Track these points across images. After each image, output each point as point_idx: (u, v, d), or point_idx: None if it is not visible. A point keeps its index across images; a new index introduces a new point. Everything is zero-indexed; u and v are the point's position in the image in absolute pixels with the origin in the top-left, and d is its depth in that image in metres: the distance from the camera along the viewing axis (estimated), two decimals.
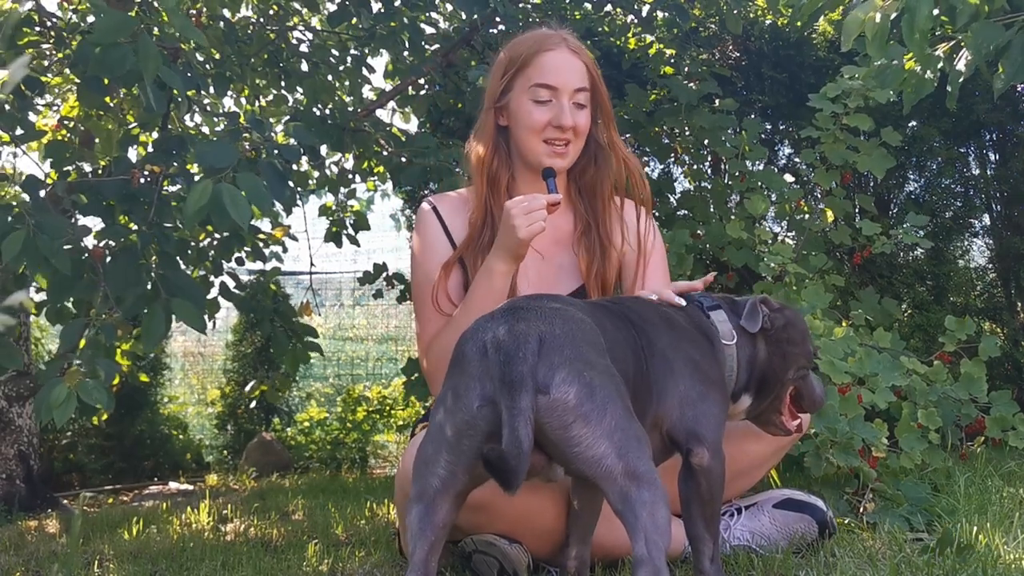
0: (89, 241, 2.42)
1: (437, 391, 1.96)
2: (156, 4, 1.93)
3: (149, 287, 2.29)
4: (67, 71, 4.06)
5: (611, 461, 1.29)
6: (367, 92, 4.48)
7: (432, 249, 2.00)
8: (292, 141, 2.86)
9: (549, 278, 1.98)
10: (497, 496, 1.61)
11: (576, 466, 1.32)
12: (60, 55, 3.48)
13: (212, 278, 3.70)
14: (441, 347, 1.89)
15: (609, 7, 4.23)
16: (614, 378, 1.37)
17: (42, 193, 2.39)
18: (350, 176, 4.38)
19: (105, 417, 5.67)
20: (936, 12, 1.77)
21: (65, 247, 2.18)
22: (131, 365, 4.50)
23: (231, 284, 3.90)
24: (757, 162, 3.60)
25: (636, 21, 4.13)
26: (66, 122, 4.25)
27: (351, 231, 4.35)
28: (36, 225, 2.09)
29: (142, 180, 2.41)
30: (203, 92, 3.84)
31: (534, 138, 1.93)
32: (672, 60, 4.03)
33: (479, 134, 2.02)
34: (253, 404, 6.23)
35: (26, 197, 2.40)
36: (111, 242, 2.41)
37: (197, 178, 2.17)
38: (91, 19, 3.03)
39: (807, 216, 3.30)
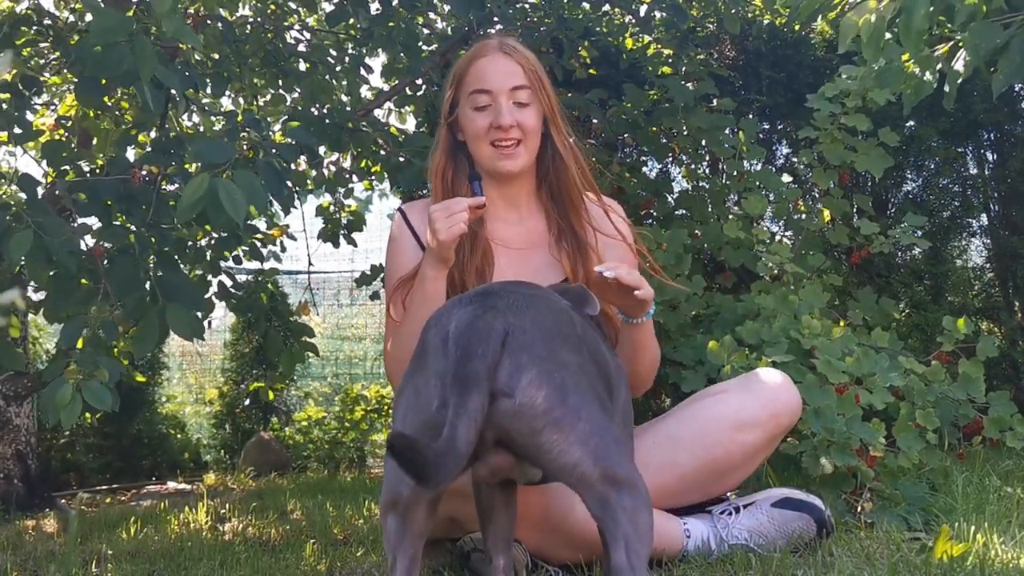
0: (89, 240, 2.42)
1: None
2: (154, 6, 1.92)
3: (148, 290, 2.28)
4: (64, 70, 4.06)
5: (587, 467, 1.21)
6: (365, 92, 4.48)
7: (402, 255, 2.04)
8: (290, 141, 2.86)
9: (526, 278, 1.98)
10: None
11: (550, 472, 1.25)
12: (57, 53, 3.48)
13: (210, 277, 3.70)
14: (392, 355, 1.94)
15: (607, 7, 4.23)
16: (589, 376, 1.28)
17: (39, 192, 2.39)
18: (347, 176, 4.38)
19: (100, 416, 5.68)
20: (932, 10, 1.77)
21: (69, 245, 2.17)
22: (127, 364, 4.49)
23: (228, 284, 3.89)
24: (755, 162, 3.60)
25: (634, 21, 4.13)
26: (64, 121, 4.25)
27: (347, 231, 4.35)
28: (37, 225, 2.09)
29: (142, 179, 2.40)
30: (201, 92, 3.84)
31: (482, 145, 1.96)
32: (670, 60, 4.04)
33: (436, 148, 2.06)
34: (249, 402, 6.24)
35: (23, 196, 2.39)
36: (109, 244, 2.41)
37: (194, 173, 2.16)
38: (89, 18, 3.03)
39: (804, 216, 3.31)
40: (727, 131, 3.43)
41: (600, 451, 1.22)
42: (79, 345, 2.33)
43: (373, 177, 4.54)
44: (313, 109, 4.03)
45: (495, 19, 3.33)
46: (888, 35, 1.91)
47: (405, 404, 1.29)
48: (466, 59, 2.03)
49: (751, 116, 3.99)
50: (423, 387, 1.24)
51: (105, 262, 2.33)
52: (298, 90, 4.35)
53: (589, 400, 1.24)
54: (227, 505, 3.36)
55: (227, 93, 4.36)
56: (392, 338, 1.95)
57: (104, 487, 5.34)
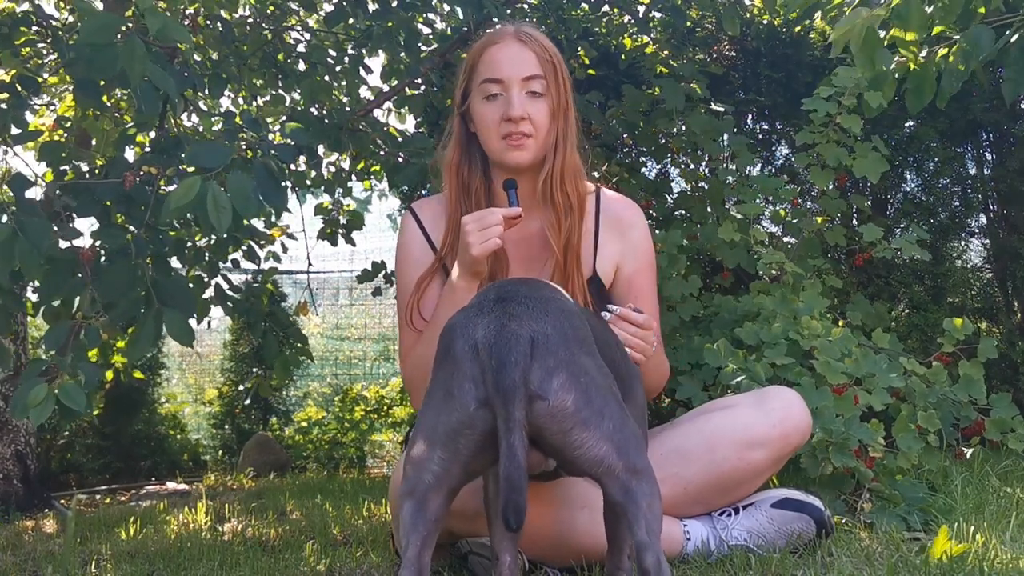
0: (82, 243, 2.41)
1: (416, 403, 1.90)
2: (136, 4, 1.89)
3: (143, 293, 2.27)
4: (63, 71, 4.06)
5: (612, 460, 1.32)
6: (364, 92, 4.48)
7: (411, 256, 2.00)
8: (289, 141, 2.85)
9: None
10: None
11: (578, 466, 1.34)
12: (56, 54, 3.48)
13: (207, 278, 3.68)
14: (415, 361, 1.89)
15: (606, 7, 4.23)
16: (607, 376, 1.38)
17: (28, 192, 2.38)
18: (345, 176, 4.38)
19: (98, 415, 5.68)
20: (931, 10, 1.77)
21: (52, 249, 2.16)
22: (126, 364, 4.49)
23: (226, 287, 3.87)
24: (748, 168, 3.58)
25: (633, 21, 4.13)
26: (63, 122, 4.26)
27: (346, 230, 4.35)
28: (18, 226, 2.07)
29: (137, 181, 2.39)
30: (200, 92, 3.83)
31: (493, 137, 1.90)
32: (669, 61, 4.03)
33: (448, 141, 2.01)
34: (249, 401, 6.24)
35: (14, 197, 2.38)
36: (107, 244, 2.40)
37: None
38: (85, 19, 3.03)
39: (803, 217, 3.30)
40: (725, 134, 3.42)
41: (622, 445, 1.33)
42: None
43: (372, 177, 4.54)
44: (312, 109, 4.03)
45: (495, 20, 3.33)
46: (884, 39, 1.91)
47: (436, 407, 1.36)
48: (480, 46, 1.96)
49: (750, 117, 4.00)
50: (456, 390, 1.32)
51: (103, 259, 2.31)
52: (297, 90, 4.34)
53: (609, 399, 1.35)
54: (226, 505, 3.36)
55: (227, 94, 4.35)
56: (417, 345, 1.90)
57: (103, 487, 5.34)
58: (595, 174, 2.12)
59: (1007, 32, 1.84)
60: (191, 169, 2.14)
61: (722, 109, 3.49)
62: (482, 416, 1.30)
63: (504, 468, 1.24)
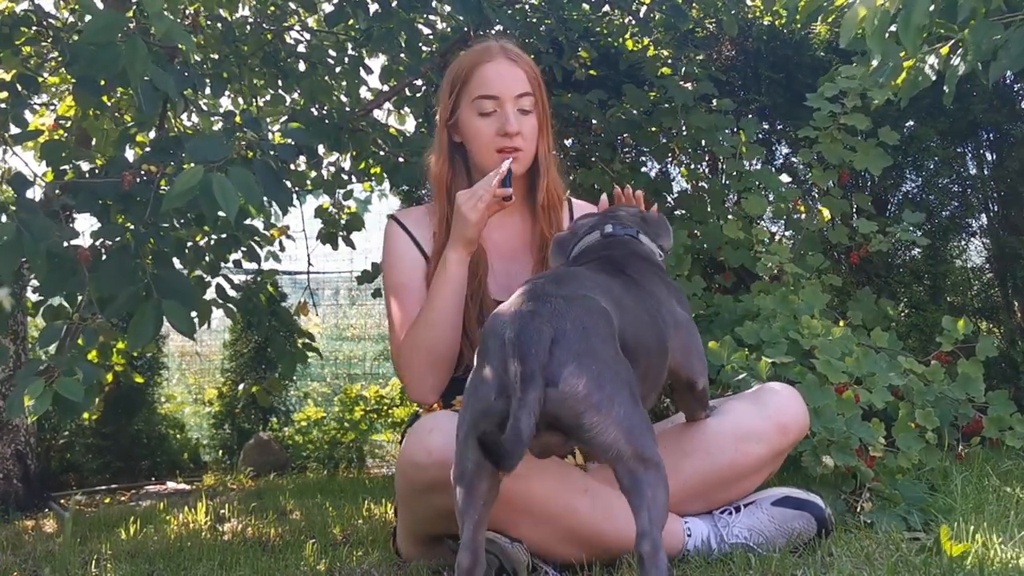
0: (81, 242, 2.41)
1: (408, 387, 2.00)
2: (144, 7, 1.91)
3: (142, 286, 2.27)
4: (63, 70, 4.06)
5: (622, 446, 1.40)
6: (364, 92, 4.48)
7: (402, 257, 2.09)
8: (289, 141, 2.86)
9: (518, 281, 1.99)
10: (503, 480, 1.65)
11: (592, 449, 1.44)
12: (56, 54, 3.48)
13: (208, 278, 3.69)
14: (410, 343, 1.97)
15: (607, 8, 4.23)
16: (620, 366, 1.46)
17: (29, 192, 2.38)
18: (346, 177, 4.38)
19: (98, 416, 5.68)
20: (932, 8, 1.78)
21: (54, 246, 2.17)
22: (126, 365, 4.49)
23: (227, 287, 3.87)
24: (754, 161, 3.59)
25: (634, 22, 4.13)
26: (63, 121, 4.25)
27: (346, 232, 4.35)
28: (21, 222, 2.08)
29: (137, 180, 2.39)
30: (200, 92, 3.83)
31: (487, 151, 2.01)
32: (669, 61, 4.04)
33: (435, 151, 2.12)
34: (245, 405, 6.24)
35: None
36: (107, 241, 2.40)
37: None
38: (88, 18, 3.03)
39: (804, 216, 3.30)
40: (727, 131, 3.43)
41: (631, 432, 1.41)
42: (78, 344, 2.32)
43: (372, 179, 4.54)
44: (312, 109, 4.03)
45: (496, 21, 3.33)
46: (887, 34, 1.91)
47: (469, 398, 1.47)
48: (468, 62, 2.05)
49: (751, 116, 4.00)
50: (480, 383, 1.44)
51: (103, 258, 2.31)
52: (297, 90, 4.34)
53: (621, 388, 1.43)
54: (226, 505, 3.36)
55: (226, 94, 4.35)
56: (411, 327, 1.97)
57: (103, 487, 5.33)
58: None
59: (1008, 29, 1.85)
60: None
61: (725, 108, 3.49)
62: (499, 406, 1.39)
63: (505, 435, 1.32)
